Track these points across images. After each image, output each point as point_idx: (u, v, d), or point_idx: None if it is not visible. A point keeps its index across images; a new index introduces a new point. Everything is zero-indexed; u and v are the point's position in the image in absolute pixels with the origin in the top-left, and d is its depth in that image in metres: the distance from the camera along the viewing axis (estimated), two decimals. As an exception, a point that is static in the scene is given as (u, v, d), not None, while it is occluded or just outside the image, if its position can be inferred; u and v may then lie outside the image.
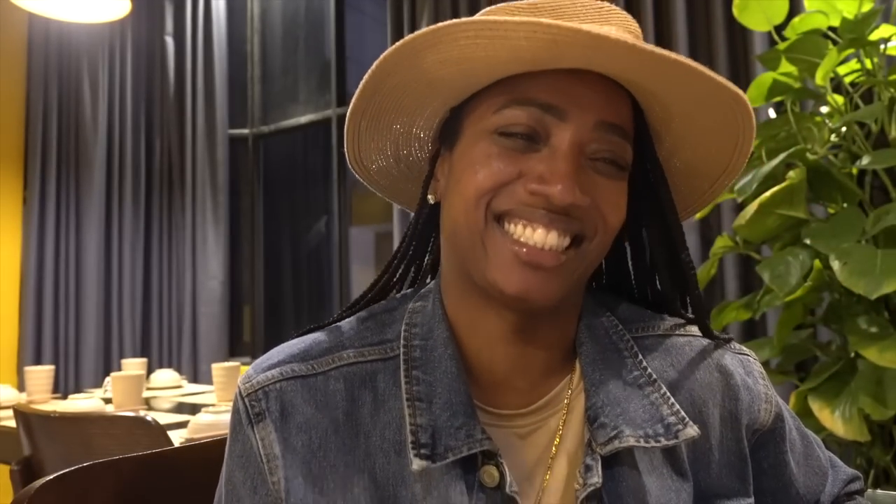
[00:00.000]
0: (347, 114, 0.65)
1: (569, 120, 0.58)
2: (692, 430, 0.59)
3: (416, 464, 0.56)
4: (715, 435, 0.65)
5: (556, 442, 0.63)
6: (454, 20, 0.55)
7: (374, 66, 0.59)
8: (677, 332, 0.69)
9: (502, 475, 0.58)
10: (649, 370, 0.64)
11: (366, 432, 0.60)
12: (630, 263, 0.71)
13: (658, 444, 0.59)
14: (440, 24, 0.55)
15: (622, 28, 0.61)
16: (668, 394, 0.62)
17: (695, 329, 0.69)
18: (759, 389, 0.68)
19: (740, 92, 0.57)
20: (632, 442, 0.58)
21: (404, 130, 0.68)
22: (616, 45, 0.52)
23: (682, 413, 0.61)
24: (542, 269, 0.57)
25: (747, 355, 0.71)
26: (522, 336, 0.62)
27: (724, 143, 0.64)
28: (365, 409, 0.61)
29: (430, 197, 0.67)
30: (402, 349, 0.63)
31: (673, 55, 0.53)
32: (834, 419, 1.37)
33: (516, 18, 0.53)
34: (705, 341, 0.69)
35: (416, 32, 0.56)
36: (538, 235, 0.57)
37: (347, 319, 0.69)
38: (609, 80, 0.60)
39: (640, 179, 0.65)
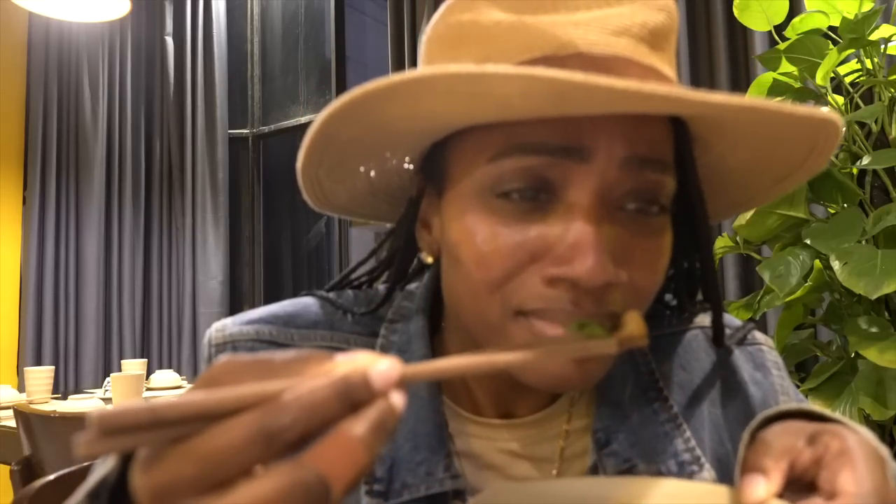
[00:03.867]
0: (298, 167, 0.55)
1: (593, 160, 0.44)
2: (707, 475, 0.54)
3: (367, 501, 0.51)
4: (733, 438, 0.59)
5: (556, 463, 0.56)
6: (414, 72, 0.40)
7: (317, 123, 0.47)
8: (686, 327, 0.62)
9: None
10: (664, 392, 0.57)
11: None
12: None
13: None
14: (395, 78, 0.40)
15: (645, 7, 0.48)
16: (684, 424, 0.56)
17: (701, 319, 0.63)
18: (771, 381, 0.62)
19: (826, 114, 0.43)
20: None
21: (376, 169, 0.57)
22: (642, 98, 0.38)
23: (698, 451, 0.55)
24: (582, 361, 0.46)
25: (759, 345, 0.64)
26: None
27: (796, 146, 0.50)
28: None
29: (425, 255, 0.56)
30: None
31: (725, 99, 0.39)
32: (834, 419, 1.37)
33: (502, 70, 0.38)
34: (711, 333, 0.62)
35: (365, 86, 0.41)
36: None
37: (349, 294, 0.62)
38: None
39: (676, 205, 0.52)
